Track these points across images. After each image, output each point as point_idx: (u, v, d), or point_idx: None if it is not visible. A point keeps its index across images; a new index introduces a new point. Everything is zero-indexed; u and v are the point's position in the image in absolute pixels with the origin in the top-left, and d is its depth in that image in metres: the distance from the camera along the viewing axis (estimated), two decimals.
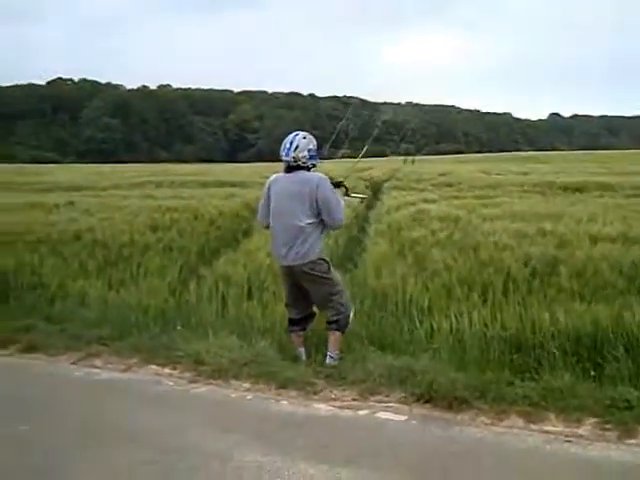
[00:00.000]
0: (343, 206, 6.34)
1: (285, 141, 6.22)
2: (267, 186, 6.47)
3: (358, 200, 7.75)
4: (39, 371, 6.57)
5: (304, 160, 6.18)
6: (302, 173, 6.22)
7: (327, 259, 6.38)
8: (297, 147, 6.15)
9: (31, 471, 4.33)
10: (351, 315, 6.43)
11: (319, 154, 6.41)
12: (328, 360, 6.24)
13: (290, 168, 6.24)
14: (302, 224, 6.12)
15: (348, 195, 6.74)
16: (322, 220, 6.21)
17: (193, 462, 4.38)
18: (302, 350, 6.51)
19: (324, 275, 6.25)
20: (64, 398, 5.78)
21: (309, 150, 6.21)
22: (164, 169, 39.59)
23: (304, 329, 6.61)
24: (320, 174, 6.27)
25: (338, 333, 6.32)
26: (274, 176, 6.47)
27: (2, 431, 4.96)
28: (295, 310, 6.57)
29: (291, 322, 6.60)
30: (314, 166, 6.33)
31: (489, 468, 4.24)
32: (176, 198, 18.06)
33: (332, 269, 6.43)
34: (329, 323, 6.34)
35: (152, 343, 6.89)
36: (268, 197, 6.41)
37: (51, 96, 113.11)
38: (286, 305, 6.72)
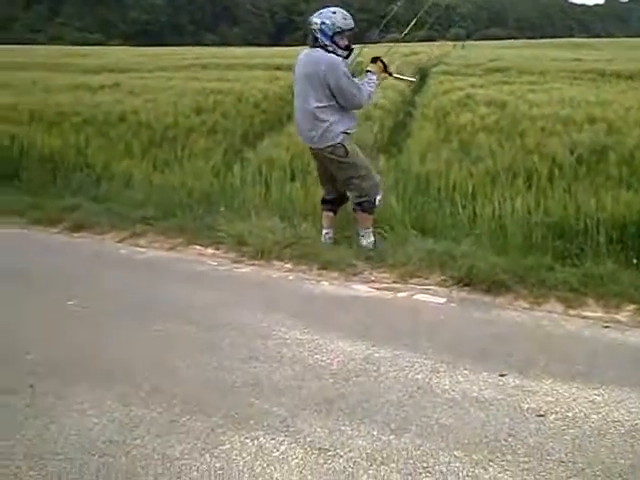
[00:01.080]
0: (365, 86, 6.00)
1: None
2: (294, 68, 6.29)
3: (407, 82, 7.43)
4: (86, 249, 6.75)
5: (314, 28, 5.89)
6: (316, 52, 5.95)
7: (346, 144, 6.04)
8: (321, 14, 5.90)
9: (79, 340, 4.48)
10: (378, 198, 6.21)
11: (341, 36, 5.93)
12: (361, 240, 6.23)
13: (313, 41, 5.99)
14: (310, 107, 5.95)
15: (387, 72, 6.30)
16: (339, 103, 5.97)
17: (235, 338, 4.48)
18: (330, 232, 6.44)
19: (342, 159, 6.03)
20: (110, 275, 5.93)
21: (323, 23, 5.86)
22: (210, 52, 39.06)
23: (334, 211, 6.49)
24: (333, 56, 5.90)
25: (363, 213, 6.22)
26: (299, 55, 6.24)
27: (50, 305, 5.13)
28: (325, 190, 6.51)
29: (323, 201, 6.56)
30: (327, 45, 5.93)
31: (526, 351, 4.26)
32: (221, 81, 17.86)
33: (356, 153, 6.14)
34: (355, 204, 6.23)
35: (196, 224, 6.99)
36: (295, 79, 6.26)
37: None
38: (320, 184, 6.70)
